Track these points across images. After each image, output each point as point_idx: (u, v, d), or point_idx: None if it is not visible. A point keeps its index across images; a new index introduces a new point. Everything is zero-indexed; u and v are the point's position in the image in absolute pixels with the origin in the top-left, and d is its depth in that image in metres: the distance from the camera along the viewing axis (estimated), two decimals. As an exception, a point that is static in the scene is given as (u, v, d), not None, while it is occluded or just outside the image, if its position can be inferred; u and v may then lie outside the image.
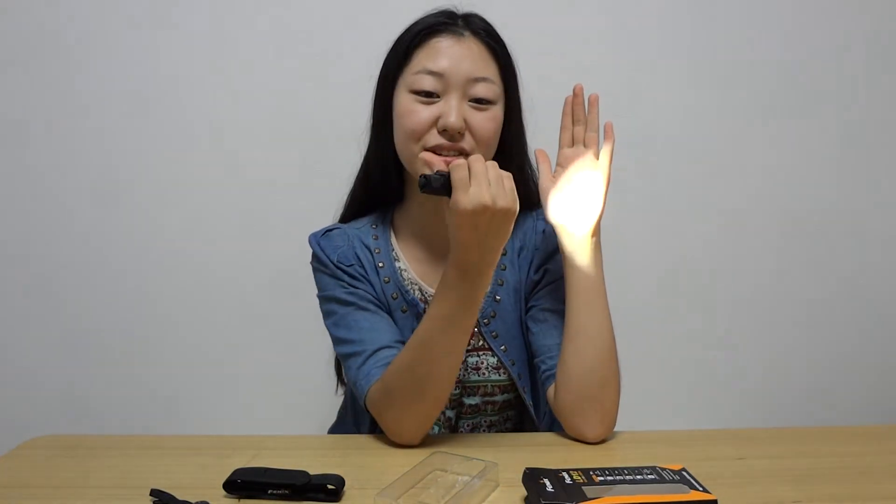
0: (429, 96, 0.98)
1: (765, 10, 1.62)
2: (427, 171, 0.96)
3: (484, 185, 0.84)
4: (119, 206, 1.64)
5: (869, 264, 1.71)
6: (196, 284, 1.67)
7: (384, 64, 1.05)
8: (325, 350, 1.16)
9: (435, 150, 0.98)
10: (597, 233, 1.00)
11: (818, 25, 1.63)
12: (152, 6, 1.58)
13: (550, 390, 1.02)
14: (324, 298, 1.07)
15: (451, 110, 0.97)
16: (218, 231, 1.65)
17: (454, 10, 1.04)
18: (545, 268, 1.07)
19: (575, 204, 0.99)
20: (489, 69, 1.00)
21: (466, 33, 1.00)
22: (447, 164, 0.95)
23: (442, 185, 0.87)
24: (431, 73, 0.98)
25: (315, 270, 1.09)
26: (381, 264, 1.07)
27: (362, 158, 1.11)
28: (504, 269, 1.08)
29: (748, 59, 1.63)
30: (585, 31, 1.61)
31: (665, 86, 1.63)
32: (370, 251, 1.08)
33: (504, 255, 1.09)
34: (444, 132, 0.97)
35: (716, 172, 1.67)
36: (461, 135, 0.98)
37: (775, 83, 1.64)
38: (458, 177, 0.85)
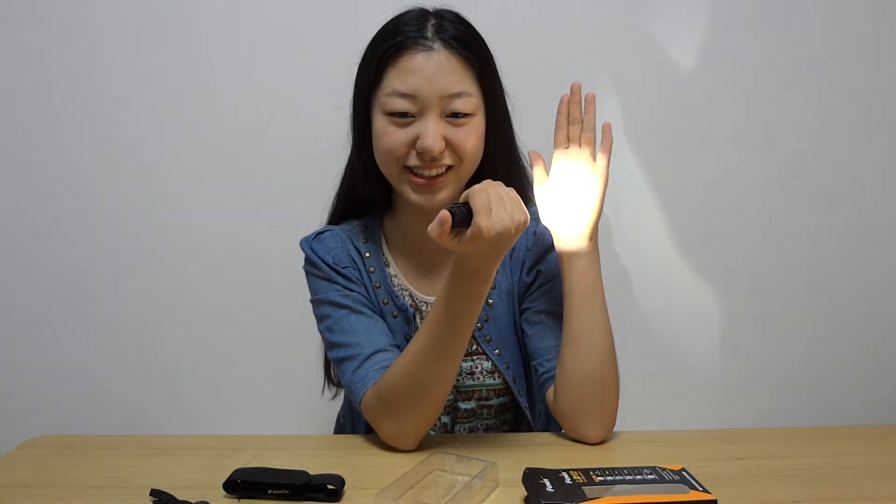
0: (403, 117, 0.95)
1: (759, 7, 1.62)
2: (405, 186, 0.97)
3: (502, 206, 0.83)
4: (118, 208, 1.64)
5: (870, 264, 1.71)
6: (196, 284, 1.66)
7: (357, 80, 1.02)
8: (322, 351, 1.16)
9: (415, 169, 0.97)
10: (594, 235, 0.98)
11: (817, 26, 1.63)
12: (149, 8, 1.58)
13: (549, 393, 1.01)
14: (317, 302, 1.05)
15: (428, 133, 0.94)
16: (217, 231, 1.65)
17: (426, 8, 1.00)
18: (537, 269, 1.06)
19: (571, 206, 0.98)
20: (464, 82, 0.96)
21: (437, 45, 0.95)
22: (432, 185, 0.97)
23: (466, 216, 0.84)
24: (403, 94, 0.94)
25: (308, 275, 1.08)
26: (371, 269, 1.07)
27: (345, 167, 1.10)
28: (496, 273, 1.07)
29: (746, 58, 1.63)
30: (573, 25, 1.61)
31: (659, 84, 1.63)
32: (360, 254, 1.07)
33: None
34: (422, 154, 0.95)
35: (716, 172, 1.66)
36: (441, 153, 0.96)
37: (774, 82, 1.64)
38: (480, 201, 0.83)
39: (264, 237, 1.64)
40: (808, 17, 1.62)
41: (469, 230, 0.83)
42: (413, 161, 0.97)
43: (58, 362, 1.69)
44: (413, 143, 0.96)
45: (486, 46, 1.01)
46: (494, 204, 0.83)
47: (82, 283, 1.67)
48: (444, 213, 0.81)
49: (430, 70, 0.94)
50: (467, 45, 0.97)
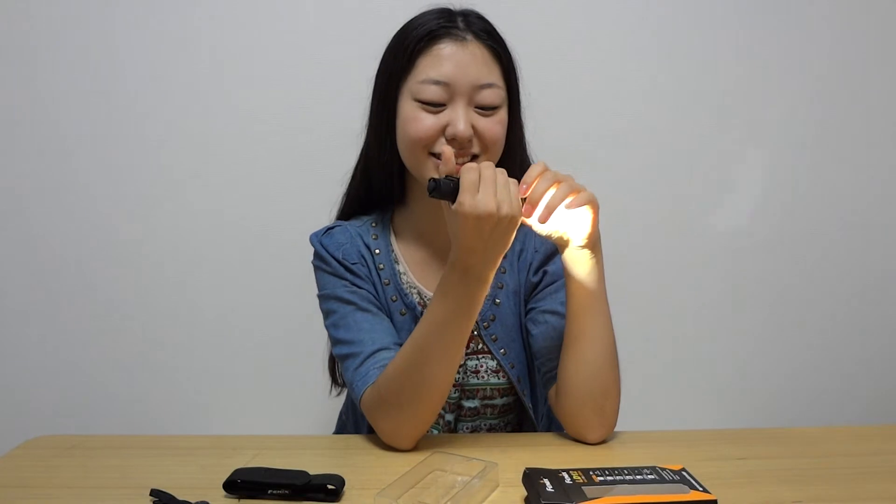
0: (434, 105, 0.97)
1: (765, 10, 1.62)
2: (435, 175, 0.95)
3: (491, 191, 0.84)
4: (118, 207, 1.64)
5: (869, 264, 1.71)
6: (196, 285, 1.67)
7: (383, 68, 1.03)
8: (325, 350, 1.16)
9: (442, 156, 0.96)
10: (594, 239, 0.95)
11: (818, 25, 1.63)
12: (150, 6, 1.58)
13: (551, 392, 1.02)
14: (324, 297, 1.06)
15: (459, 119, 0.95)
16: (217, 231, 1.65)
17: (451, 7, 1.02)
18: (544, 269, 1.07)
19: (568, 216, 0.97)
20: (493, 74, 0.98)
21: (469, 37, 0.97)
22: (458, 171, 0.94)
23: (451, 191, 0.86)
24: (436, 82, 0.95)
25: (316, 269, 1.08)
26: (381, 266, 1.07)
27: (358, 158, 1.10)
28: (504, 273, 1.08)
29: (749, 60, 1.63)
30: (584, 28, 1.61)
31: (662, 85, 1.63)
32: (370, 251, 1.08)
33: (504, 258, 1.08)
34: (452, 140, 0.96)
35: (716, 172, 1.67)
36: (469, 141, 0.97)
37: (777, 84, 1.64)
38: (467, 179, 0.84)
39: (265, 238, 1.64)
40: (813, 17, 1.62)
41: (453, 206, 0.84)
42: (440, 148, 0.97)
43: (58, 362, 1.69)
44: (442, 130, 0.97)
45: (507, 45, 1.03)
46: (484, 185, 0.84)
47: (82, 282, 1.67)
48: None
49: (463, 59, 0.96)
50: (495, 38, 1.00)
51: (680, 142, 1.65)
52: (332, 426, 1.26)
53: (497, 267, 0.91)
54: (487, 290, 0.91)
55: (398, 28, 1.02)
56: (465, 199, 0.84)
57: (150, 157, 1.63)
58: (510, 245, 0.89)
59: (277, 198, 1.63)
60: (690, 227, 1.68)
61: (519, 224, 0.88)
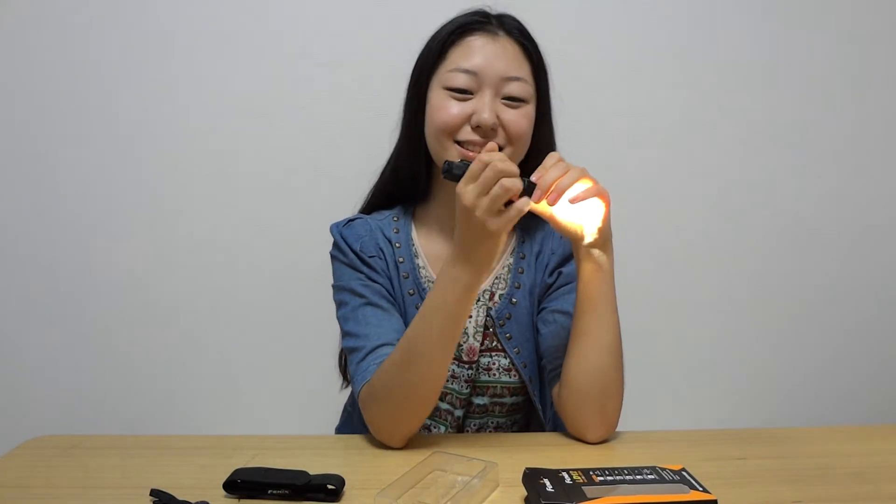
0: (462, 93, 0.99)
1: (766, 11, 1.62)
2: (452, 159, 0.95)
3: (478, 191, 0.85)
4: (120, 205, 1.64)
5: (869, 264, 1.71)
6: (197, 285, 1.67)
7: (418, 61, 1.05)
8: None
9: (466, 144, 0.99)
10: (606, 235, 0.95)
11: (818, 24, 1.63)
12: (167, 3, 1.58)
13: (555, 390, 1.02)
14: (338, 288, 1.07)
15: (485, 107, 0.98)
16: (218, 232, 1.65)
17: (487, 9, 1.05)
18: (559, 270, 1.08)
19: (577, 213, 0.97)
20: (522, 69, 1.01)
21: (500, 32, 1.01)
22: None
23: (463, 175, 0.88)
24: (466, 71, 0.98)
25: (333, 259, 1.09)
26: (401, 259, 1.08)
27: (390, 155, 1.12)
28: (522, 273, 1.09)
29: (752, 59, 1.63)
30: (584, 29, 1.61)
31: (667, 85, 1.63)
32: (391, 244, 1.09)
33: (522, 258, 1.10)
34: (477, 128, 0.98)
35: (717, 172, 1.67)
36: (494, 131, 0.99)
37: (779, 83, 1.64)
38: (474, 170, 0.86)
39: (265, 240, 1.64)
40: (814, 17, 1.63)
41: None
42: (464, 136, 0.99)
43: (58, 362, 1.69)
44: (468, 118, 0.99)
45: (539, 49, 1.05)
46: (479, 185, 0.85)
47: (82, 282, 1.67)
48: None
49: (493, 51, 0.99)
50: (527, 36, 1.03)
51: (681, 142, 1.65)
52: (332, 426, 1.26)
53: (482, 277, 0.92)
54: (474, 297, 0.92)
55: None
56: (461, 183, 0.87)
57: (148, 156, 1.63)
58: (494, 256, 0.91)
59: (277, 199, 1.63)
60: (691, 227, 1.68)
61: (497, 240, 0.89)
